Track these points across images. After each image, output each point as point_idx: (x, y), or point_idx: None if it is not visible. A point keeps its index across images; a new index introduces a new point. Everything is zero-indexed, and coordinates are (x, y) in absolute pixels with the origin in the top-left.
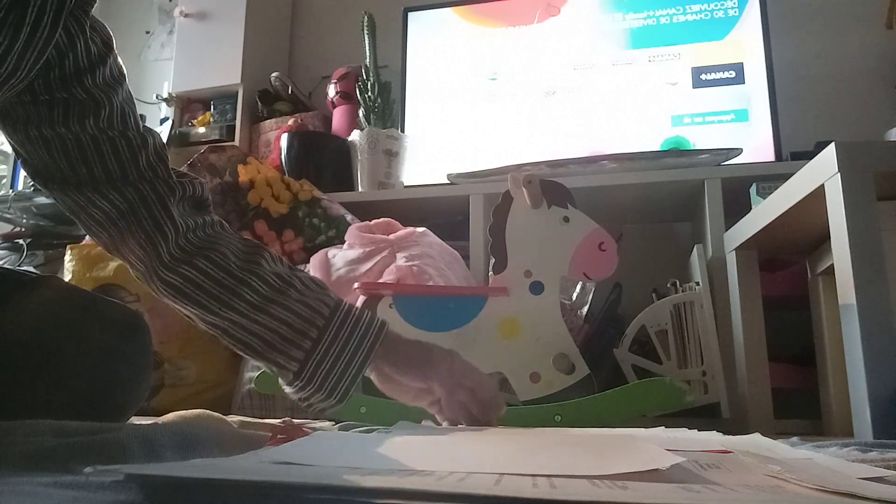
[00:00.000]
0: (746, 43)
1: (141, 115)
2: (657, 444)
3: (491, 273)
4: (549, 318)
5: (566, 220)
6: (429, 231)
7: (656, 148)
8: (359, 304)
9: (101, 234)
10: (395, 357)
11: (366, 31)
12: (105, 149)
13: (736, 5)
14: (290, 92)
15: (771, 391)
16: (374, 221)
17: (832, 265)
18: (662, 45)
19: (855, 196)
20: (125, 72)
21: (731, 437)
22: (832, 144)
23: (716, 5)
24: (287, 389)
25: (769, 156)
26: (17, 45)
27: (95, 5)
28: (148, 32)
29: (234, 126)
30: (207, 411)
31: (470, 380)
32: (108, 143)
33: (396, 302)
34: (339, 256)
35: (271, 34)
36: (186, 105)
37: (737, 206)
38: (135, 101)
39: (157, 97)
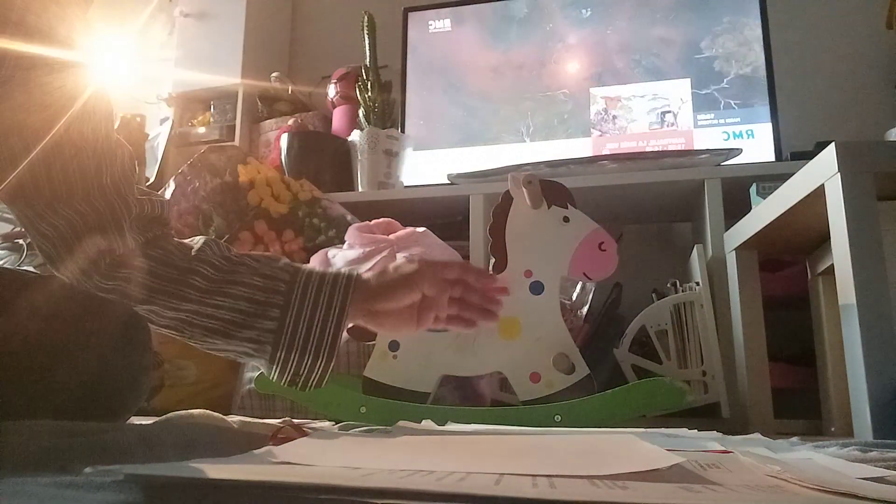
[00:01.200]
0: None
1: (140, 115)
2: (657, 445)
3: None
4: (549, 318)
5: (566, 220)
6: (429, 231)
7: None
8: None
9: (48, 248)
10: (376, 290)
11: (366, 31)
12: (71, 162)
13: None
14: (290, 92)
15: (771, 391)
16: (374, 221)
17: (832, 265)
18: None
19: (855, 196)
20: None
21: (731, 437)
22: (832, 144)
23: None
24: (274, 374)
25: (769, 156)
26: None
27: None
28: (147, 32)
29: (234, 126)
30: (207, 411)
31: (452, 271)
32: (75, 156)
33: None
34: (339, 256)
35: (271, 34)
36: (186, 105)
37: (737, 206)
38: (113, 110)
39: (157, 97)
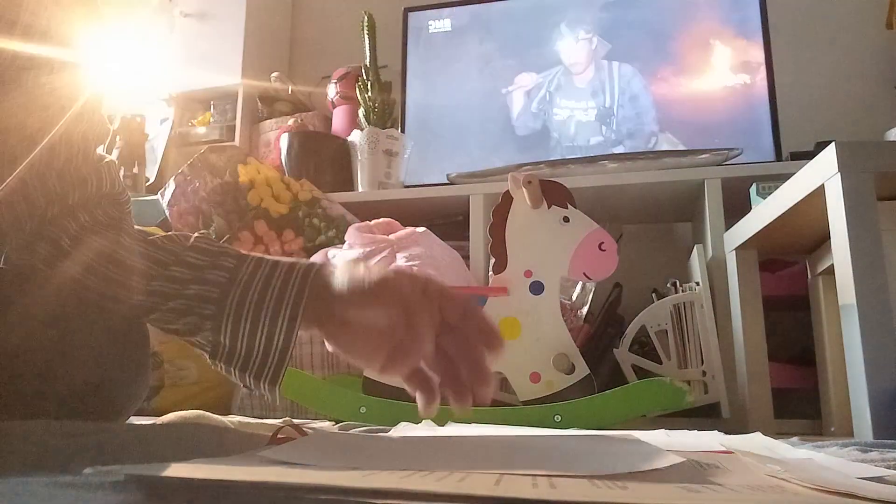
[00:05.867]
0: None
1: (140, 115)
2: (657, 445)
3: (491, 273)
4: (549, 318)
5: (566, 220)
6: (429, 231)
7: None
8: None
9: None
10: (335, 294)
11: (366, 31)
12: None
13: None
14: (290, 92)
15: (771, 391)
16: (374, 221)
17: (832, 265)
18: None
19: (855, 196)
20: None
21: (731, 436)
22: (832, 144)
23: None
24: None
25: (769, 156)
26: None
27: None
28: (147, 32)
29: (234, 126)
30: (205, 412)
31: (452, 311)
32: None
33: None
34: (339, 256)
35: (271, 34)
36: (186, 105)
37: (737, 206)
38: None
39: (157, 97)
